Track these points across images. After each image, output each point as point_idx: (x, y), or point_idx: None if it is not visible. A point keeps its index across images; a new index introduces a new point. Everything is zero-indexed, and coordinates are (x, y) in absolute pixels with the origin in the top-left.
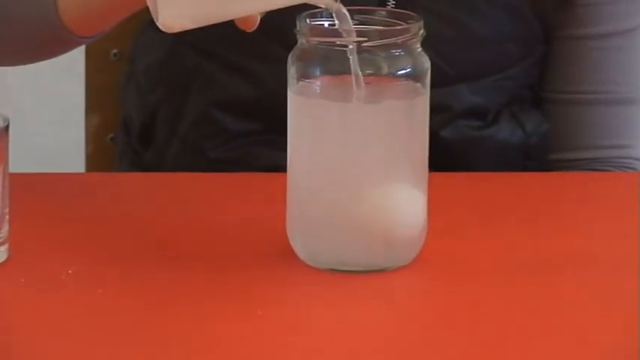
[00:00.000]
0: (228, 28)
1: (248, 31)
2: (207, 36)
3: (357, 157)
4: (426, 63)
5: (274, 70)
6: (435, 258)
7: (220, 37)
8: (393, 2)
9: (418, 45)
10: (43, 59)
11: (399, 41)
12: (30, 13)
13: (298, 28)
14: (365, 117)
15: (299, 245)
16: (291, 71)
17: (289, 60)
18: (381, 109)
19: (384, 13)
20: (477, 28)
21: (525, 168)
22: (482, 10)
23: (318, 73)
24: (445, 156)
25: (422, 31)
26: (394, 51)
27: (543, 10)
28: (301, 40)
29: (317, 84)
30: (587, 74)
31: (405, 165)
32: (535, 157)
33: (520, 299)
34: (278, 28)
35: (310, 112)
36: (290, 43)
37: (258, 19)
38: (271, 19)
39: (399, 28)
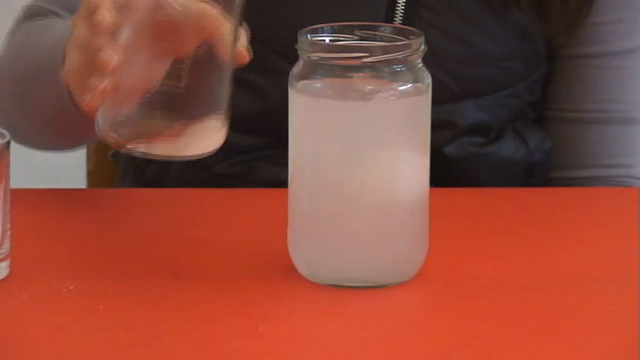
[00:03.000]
0: None
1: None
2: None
3: (359, 159)
4: (427, 79)
5: (278, 85)
6: (436, 274)
7: None
8: (401, 17)
9: (419, 61)
10: (68, 148)
11: (401, 57)
12: (48, 101)
13: (299, 43)
14: (366, 115)
15: (300, 261)
16: (293, 76)
17: (290, 75)
18: (382, 107)
19: (386, 29)
20: (483, 45)
21: (528, 185)
22: (490, 28)
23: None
24: (448, 172)
25: (423, 47)
26: (396, 66)
27: (551, 29)
28: (302, 56)
29: (318, 84)
30: (589, 93)
31: (407, 171)
32: (538, 174)
33: (522, 316)
34: (283, 43)
35: (311, 111)
36: (296, 58)
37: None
38: (276, 34)
39: (400, 43)
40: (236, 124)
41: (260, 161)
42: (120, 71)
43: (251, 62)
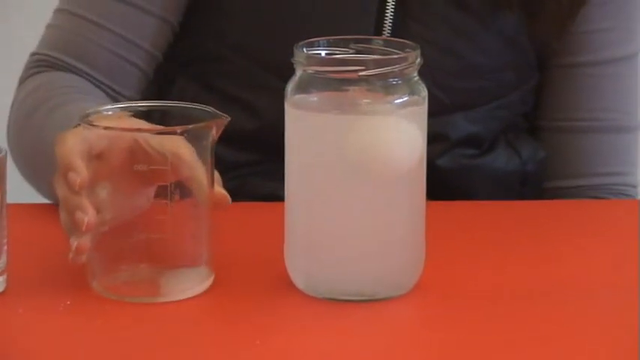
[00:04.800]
0: (226, 63)
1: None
2: (206, 69)
3: (354, 173)
4: (423, 91)
5: (272, 103)
6: (434, 286)
7: (219, 69)
8: (389, 31)
9: (415, 74)
10: None
11: (397, 70)
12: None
13: (295, 57)
14: (362, 129)
15: (297, 274)
16: (288, 91)
17: (287, 89)
18: (378, 120)
19: (381, 42)
20: (474, 58)
21: (522, 195)
22: (480, 40)
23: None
24: (442, 185)
25: (419, 60)
26: (391, 80)
27: (540, 39)
28: (298, 70)
29: (314, 97)
30: (582, 102)
31: (404, 188)
32: (532, 184)
33: (521, 328)
34: (276, 61)
35: (307, 125)
36: (288, 75)
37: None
38: (266, 50)
39: (396, 57)
40: (230, 141)
41: (254, 176)
42: (94, 229)
43: (245, 81)
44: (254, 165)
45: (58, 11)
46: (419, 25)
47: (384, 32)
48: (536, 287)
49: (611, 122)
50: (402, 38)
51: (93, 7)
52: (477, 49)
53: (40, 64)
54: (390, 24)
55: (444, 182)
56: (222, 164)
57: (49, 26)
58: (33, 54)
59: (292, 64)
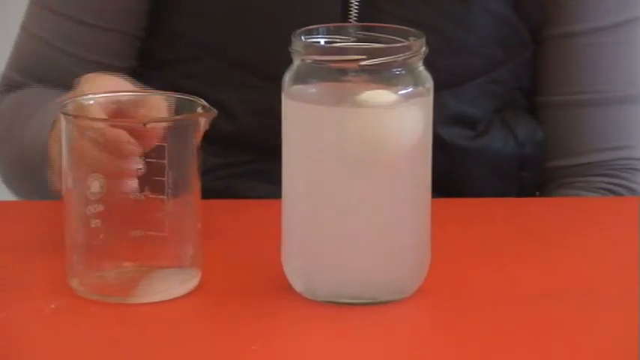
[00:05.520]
0: (192, 63)
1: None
2: (175, 70)
3: (355, 169)
4: (429, 82)
5: (245, 100)
6: (439, 289)
7: (187, 71)
8: (356, 10)
9: (420, 63)
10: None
11: (400, 59)
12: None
13: (293, 46)
14: (364, 122)
15: (295, 276)
16: (286, 82)
17: (283, 80)
18: (380, 113)
19: (383, 29)
20: (455, 34)
21: (521, 179)
22: (461, 15)
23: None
24: (435, 171)
25: (424, 49)
26: (394, 70)
27: (526, 10)
28: (295, 59)
29: (312, 88)
30: (579, 74)
31: (409, 184)
32: (531, 167)
33: (524, 332)
34: (242, 55)
35: (305, 117)
36: (255, 68)
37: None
38: (233, 46)
39: (399, 45)
40: (209, 143)
41: (238, 178)
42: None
43: (212, 80)
44: (235, 166)
45: (23, 29)
46: (392, 3)
47: (350, 12)
48: (545, 290)
49: (613, 94)
50: (373, 18)
51: (52, 30)
52: (459, 25)
53: (7, 83)
54: (357, 3)
55: (437, 167)
56: (203, 166)
57: (15, 43)
58: (2, 73)
59: (257, 55)
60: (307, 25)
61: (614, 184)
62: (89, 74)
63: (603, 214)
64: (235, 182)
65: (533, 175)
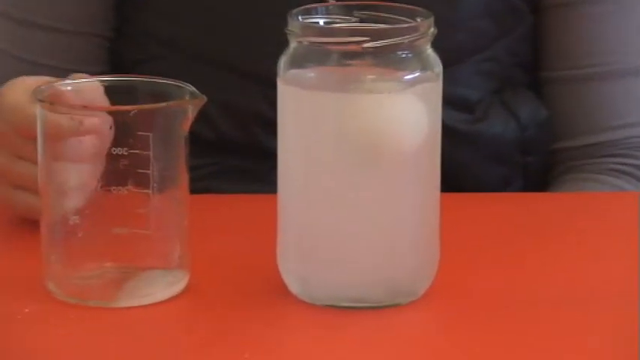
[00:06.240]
0: (161, 60)
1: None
2: (154, 71)
3: (357, 160)
4: (437, 66)
5: (228, 108)
6: (448, 291)
7: (166, 72)
8: None
9: (428, 46)
10: None
11: (406, 41)
12: None
13: (289, 26)
14: (367, 109)
15: (292, 278)
16: (281, 66)
17: (279, 64)
18: (385, 100)
19: (388, 8)
20: (442, 11)
21: (526, 167)
22: None
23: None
24: None
25: (432, 30)
26: (400, 53)
27: None
28: (292, 42)
29: (310, 73)
30: (585, 45)
31: (416, 177)
32: (535, 151)
33: (530, 336)
34: (210, 48)
35: (303, 105)
36: (224, 60)
37: None
38: (199, 40)
39: (406, 26)
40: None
41: (216, 178)
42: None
43: (183, 77)
44: (213, 166)
45: None
46: None
47: None
48: (559, 291)
49: (623, 65)
50: None
51: (15, 40)
52: (445, 1)
53: None
54: None
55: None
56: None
57: None
58: None
59: (234, 50)
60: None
61: (627, 165)
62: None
63: (622, 209)
64: (217, 183)
65: (538, 159)
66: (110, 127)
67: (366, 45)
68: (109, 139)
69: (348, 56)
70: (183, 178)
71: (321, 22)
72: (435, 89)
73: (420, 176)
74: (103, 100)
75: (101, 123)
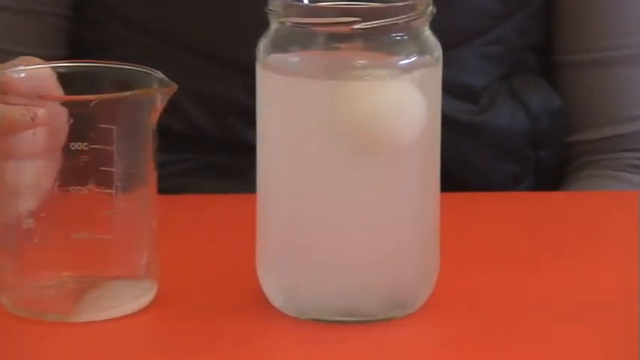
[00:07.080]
0: (138, 50)
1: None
2: (118, 57)
3: (347, 154)
4: (437, 50)
5: (201, 98)
6: (448, 304)
7: (132, 58)
8: None
9: (426, 27)
10: None
11: (401, 22)
12: None
13: (270, 5)
14: (358, 98)
15: (274, 289)
16: (261, 49)
17: (258, 47)
18: (378, 87)
19: None
20: None
21: (538, 162)
22: None
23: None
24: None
25: (431, 8)
26: (395, 35)
27: None
28: (273, 22)
29: (294, 57)
30: (603, 25)
31: (413, 173)
32: (548, 144)
33: (535, 349)
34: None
35: (286, 92)
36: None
37: None
38: (167, 22)
39: (401, 4)
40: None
41: (190, 174)
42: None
43: (154, 63)
44: (190, 162)
45: None
46: None
47: None
48: (576, 301)
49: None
50: None
51: None
52: None
53: None
54: None
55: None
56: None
57: None
58: None
59: (206, 34)
60: None
61: None
62: None
63: (611, 207)
64: (189, 181)
65: (551, 154)
66: (69, 120)
67: (356, 26)
68: (64, 132)
69: (337, 39)
70: (151, 176)
71: (306, 0)
72: (434, 75)
73: (417, 172)
74: (55, 90)
75: (54, 114)
